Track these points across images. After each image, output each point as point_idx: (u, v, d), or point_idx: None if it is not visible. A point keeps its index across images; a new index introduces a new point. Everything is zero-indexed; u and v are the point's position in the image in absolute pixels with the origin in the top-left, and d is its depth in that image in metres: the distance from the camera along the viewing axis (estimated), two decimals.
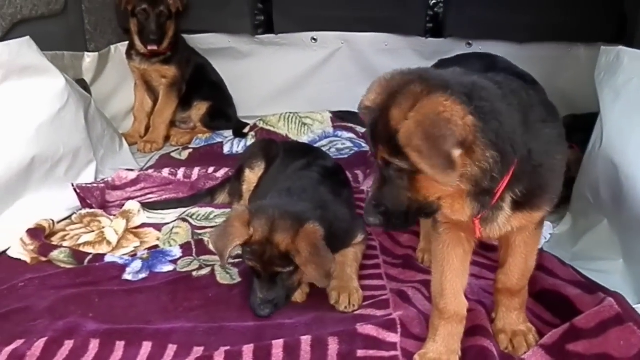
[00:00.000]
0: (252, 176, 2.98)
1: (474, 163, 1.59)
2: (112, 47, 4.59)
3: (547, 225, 2.87)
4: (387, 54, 4.48)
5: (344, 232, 2.45)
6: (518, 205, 1.80)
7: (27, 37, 3.24)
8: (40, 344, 2.01)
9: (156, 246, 2.80)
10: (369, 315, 2.21)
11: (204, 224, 3.00)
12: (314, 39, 4.56)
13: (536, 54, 4.18)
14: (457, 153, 1.53)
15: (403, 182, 1.65)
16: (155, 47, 4.22)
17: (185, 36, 4.61)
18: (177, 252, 2.69)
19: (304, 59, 4.63)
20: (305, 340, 2.01)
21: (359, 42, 4.52)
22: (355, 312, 2.24)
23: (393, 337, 2.04)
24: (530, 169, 1.74)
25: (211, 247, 2.71)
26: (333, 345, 1.99)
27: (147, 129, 4.54)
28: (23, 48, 3.17)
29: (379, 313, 2.22)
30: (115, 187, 3.40)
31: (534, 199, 1.81)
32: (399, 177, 1.65)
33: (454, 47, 4.34)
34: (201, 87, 4.62)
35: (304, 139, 4.27)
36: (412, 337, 2.06)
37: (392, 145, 1.58)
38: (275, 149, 3.02)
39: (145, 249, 2.77)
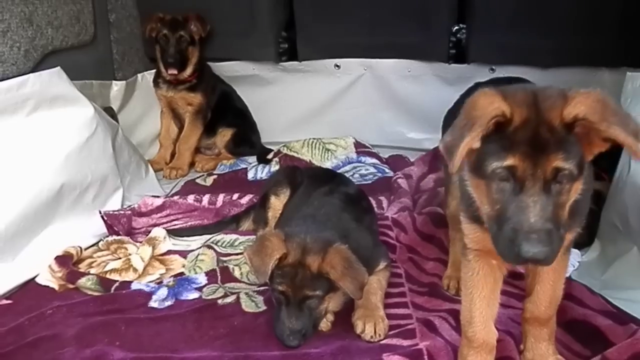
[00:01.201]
0: (277, 203, 3.00)
1: None
2: (139, 75, 4.69)
3: (575, 252, 2.83)
4: (410, 80, 4.50)
5: (367, 259, 2.44)
6: None
7: (58, 68, 3.34)
8: None
9: (182, 273, 2.82)
10: (395, 345, 2.19)
11: (229, 250, 3.01)
12: (337, 66, 4.59)
13: (560, 78, 4.14)
14: None
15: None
16: (175, 72, 4.29)
17: (210, 64, 4.69)
18: (202, 279, 2.70)
19: (327, 86, 4.66)
20: None
21: (381, 69, 4.53)
22: (381, 342, 2.22)
23: None
24: None
25: (236, 274, 2.73)
26: None
27: (173, 155, 4.60)
28: (54, 78, 3.26)
29: (405, 343, 2.19)
30: (141, 214, 3.44)
31: (569, 218, 1.78)
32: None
33: (477, 73, 4.33)
34: (226, 114, 4.68)
35: (328, 164, 4.28)
36: None
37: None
38: (299, 176, 3.04)
39: (171, 276, 2.79)
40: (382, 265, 2.56)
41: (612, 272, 2.63)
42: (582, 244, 2.93)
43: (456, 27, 4.33)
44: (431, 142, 4.27)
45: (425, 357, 2.05)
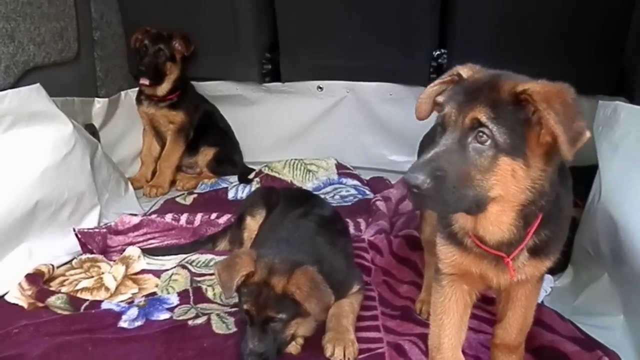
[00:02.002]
0: (253, 223, 3.00)
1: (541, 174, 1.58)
2: (123, 93, 4.68)
3: (548, 278, 2.84)
4: (391, 103, 4.53)
5: (340, 282, 2.44)
6: (535, 252, 1.78)
7: (37, 85, 3.33)
8: None
9: (154, 293, 2.80)
10: None
11: (203, 270, 3.00)
12: (320, 88, 4.62)
13: None
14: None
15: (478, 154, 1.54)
16: (146, 82, 4.28)
17: (194, 83, 4.70)
18: (174, 299, 2.69)
19: (310, 107, 4.68)
20: None
21: (364, 91, 4.56)
22: None
23: None
24: (556, 213, 1.72)
25: (209, 294, 2.72)
26: None
27: (154, 173, 4.59)
28: (33, 95, 3.25)
29: None
30: (117, 232, 3.42)
31: (551, 245, 1.78)
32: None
33: None
34: (208, 133, 4.68)
35: (309, 185, 4.29)
36: None
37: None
38: (275, 197, 3.05)
39: (143, 295, 2.77)
40: (355, 288, 2.56)
41: (583, 298, 2.64)
42: (555, 269, 2.94)
43: (437, 52, 4.38)
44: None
45: None
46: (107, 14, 4.51)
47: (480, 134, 1.55)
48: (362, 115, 4.63)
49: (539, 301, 2.48)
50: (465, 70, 1.73)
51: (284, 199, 3.01)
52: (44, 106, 3.31)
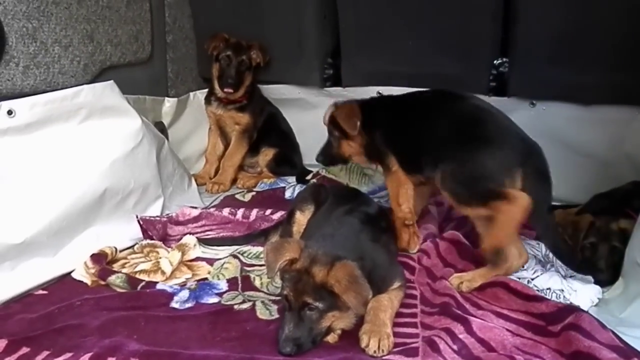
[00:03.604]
0: (301, 218, 3.12)
1: None
2: (192, 94, 4.94)
3: (596, 289, 2.80)
4: None
5: (381, 278, 2.51)
6: None
7: (111, 81, 3.59)
8: (85, 357, 2.19)
9: (205, 279, 2.95)
10: None
11: (253, 261, 3.14)
12: (379, 93, 4.68)
13: (603, 116, 4.10)
14: None
15: None
16: (231, 91, 4.50)
17: (260, 86, 4.89)
18: (223, 285, 2.82)
19: None
20: None
21: None
22: (384, 358, 2.27)
23: None
24: None
25: (256, 283, 2.84)
26: None
27: (217, 171, 4.79)
28: (106, 90, 3.50)
29: None
30: (178, 222, 3.62)
31: None
32: None
33: (517, 107, 4.35)
34: (270, 134, 4.85)
35: (364, 189, 4.34)
36: None
37: None
38: (324, 194, 3.15)
39: (195, 280, 2.92)
40: (396, 284, 2.61)
41: (630, 310, 2.58)
42: (605, 281, 2.90)
43: (499, 61, 4.36)
44: None
45: None
46: (180, 18, 4.78)
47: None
48: None
49: (585, 309, 2.47)
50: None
51: (332, 196, 3.11)
52: (116, 101, 3.55)
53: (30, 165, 3.03)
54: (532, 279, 2.86)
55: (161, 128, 4.47)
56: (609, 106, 4.08)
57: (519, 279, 2.84)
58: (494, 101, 4.38)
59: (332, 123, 3.42)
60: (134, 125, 3.62)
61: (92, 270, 2.89)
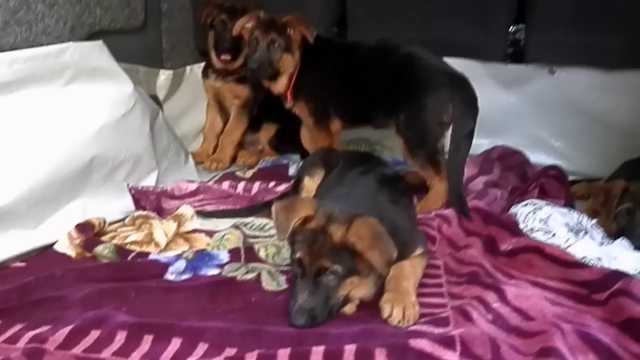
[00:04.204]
0: (311, 184, 2.82)
1: None
2: (188, 67, 4.65)
3: (638, 255, 2.53)
4: None
5: (402, 244, 2.21)
6: None
7: (100, 41, 3.30)
8: (65, 330, 1.90)
9: (204, 250, 2.66)
10: (425, 332, 1.94)
11: (257, 233, 2.84)
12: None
13: (626, 82, 3.85)
14: None
15: None
16: (228, 58, 4.12)
17: None
18: (224, 256, 2.54)
19: None
20: (349, 349, 1.78)
21: None
22: (410, 328, 1.98)
23: (450, 355, 1.77)
24: None
25: (261, 254, 2.56)
26: (380, 358, 1.75)
27: (216, 149, 4.50)
28: (95, 51, 3.22)
29: (437, 330, 1.95)
30: (173, 197, 3.34)
31: None
32: None
33: (535, 75, 4.10)
34: (272, 109, 4.51)
35: None
36: (474, 358, 1.77)
37: None
38: (334, 157, 2.87)
39: (193, 251, 2.63)
40: (418, 251, 2.33)
41: None
42: None
43: (514, 28, 4.10)
44: (484, 148, 4.02)
45: (458, 344, 1.80)
46: None
47: None
48: None
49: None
50: None
51: (344, 160, 2.82)
52: (105, 63, 3.26)
53: (8, 127, 2.73)
54: (566, 248, 2.57)
55: (155, 102, 4.18)
56: (632, 71, 3.83)
57: None
58: (511, 69, 4.16)
59: (286, 27, 3.44)
60: (125, 90, 3.33)
61: (77, 241, 2.60)
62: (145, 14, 4.14)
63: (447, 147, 3.11)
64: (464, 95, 3.12)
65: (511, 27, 4.06)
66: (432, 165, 3.10)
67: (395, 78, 3.19)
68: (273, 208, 2.11)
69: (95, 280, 2.29)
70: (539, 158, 4.03)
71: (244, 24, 3.60)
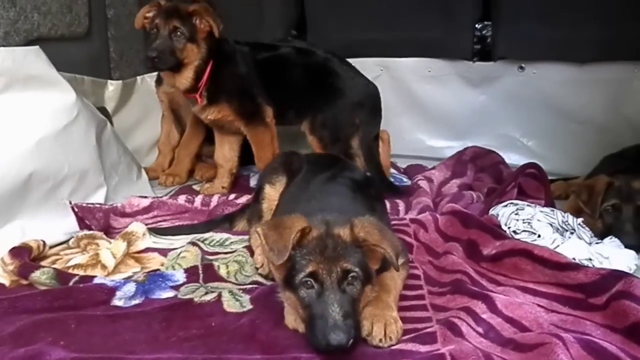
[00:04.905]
0: (272, 192, 2.56)
1: None
2: (139, 77, 4.36)
3: (630, 253, 2.36)
4: (430, 80, 4.14)
5: None
6: None
7: (37, 47, 3.01)
8: None
9: (158, 270, 2.38)
10: (411, 351, 1.72)
11: (217, 249, 2.58)
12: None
13: (599, 76, 3.75)
14: None
15: None
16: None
17: None
18: (180, 276, 2.26)
19: None
20: None
21: (399, 68, 4.18)
22: (393, 347, 1.74)
23: None
24: None
25: (221, 272, 2.30)
26: None
27: (172, 163, 4.21)
28: (30, 56, 2.92)
29: (424, 348, 1.73)
30: (124, 214, 3.05)
31: None
32: None
33: (504, 72, 3.96)
34: None
35: None
36: None
37: None
38: (297, 162, 2.61)
39: (145, 272, 2.35)
40: (399, 261, 2.09)
41: None
42: (635, 246, 2.49)
43: (481, 24, 3.95)
44: (453, 151, 3.89)
45: None
46: None
47: None
48: (398, 96, 4.23)
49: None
50: None
51: (308, 164, 2.57)
52: (43, 70, 2.96)
53: None
54: (554, 250, 2.38)
55: (104, 114, 3.86)
56: (605, 64, 3.74)
57: None
58: (479, 67, 4.02)
59: (192, 16, 3.28)
60: (66, 99, 3.03)
61: (11, 267, 2.27)
62: (90, 20, 3.83)
63: None
64: (374, 102, 3.51)
65: (477, 24, 3.90)
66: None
67: (314, 81, 3.43)
68: (260, 230, 1.83)
69: (30, 311, 1.99)
70: (511, 158, 3.88)
71: (144, 14, 3.37)
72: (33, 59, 2.93)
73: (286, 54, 3.52)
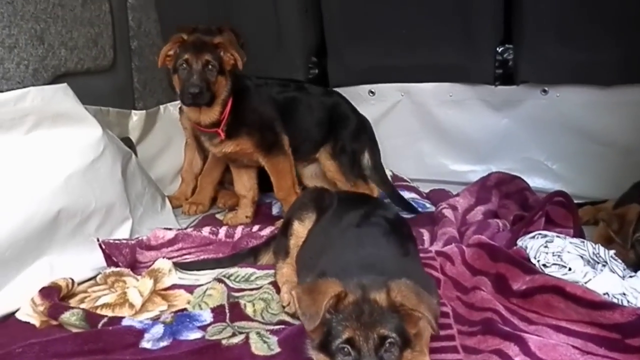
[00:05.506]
0: (301, 229, 2.53)
1: None
2: (162, 106, 4.42)
3: None
4: (452, 105, 4.11)
5: None
6: None
7: (64, 84, 3.07)
8: None
9: (185, 309, 2.38)
10: None
11: (242, 285, 2.57)
12: (372, 92, 4.25)
13: (623, 99, 3.69)
14: None
15: None
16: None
17: None
18: (207, 316, 2.26)
19: None
20: None
21: (420, 94, 4.16)
22: None
23: None
24: None
25: (248, 311, 2.29)
26: None
27: (195, 190, 4.23)
28: (58, 94, 2.98)
29: None
30: (150, 247, 3.06)
31: None
32: None
33: (527, 96, 3.93)
34: None
35: None
36: None
37: None
38: (328, 199, 2.58)
39: (172, 312, 2.35)
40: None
41: None
42: None
43: (502, 48, 3.93)
44: (477, 175, 3.85)
45: None
46: (146, 23, 4.28)
47: None
48: (419, 121, 4.22)
49: None
50: None
51: (338, 201, 2.55)
52: (70, 107, 3.02)
53: None
54: (585, 283, 2.34)
55: (129, 145, 3.92)
56: (630, 87, 3.67)
57: None
58: (501, 90, 3.99)
59: (218, 48, 3.28)
60: (93, 135, 3.08)
61: (41, 308, 2.30)
62: (115, 52, 3.90)
63: None
64: (370, 130, 3.81)
65: (499, 48, 3.87)
66: (363, 180, 3.67)
67: (328, 116, 3.65)
68: (294, 293, 1.82)
69: (61, 355, 2.00)
70: (535, 182, 3.85)
71: (167, 52, 3.32)
72: (61, 96, 2.99)
73: (299, 91, 3.67)
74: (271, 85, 3.62)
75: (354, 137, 3.67)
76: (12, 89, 2.94)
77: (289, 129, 3.49)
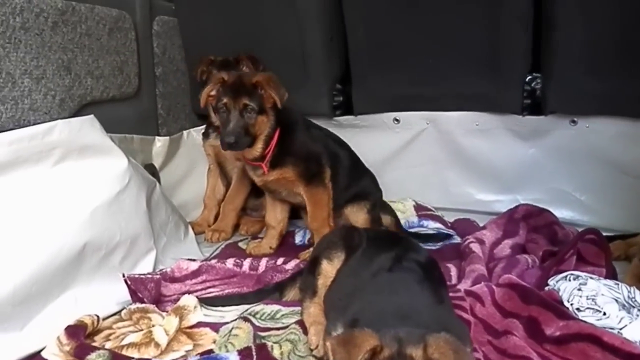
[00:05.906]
0: (329, 269, 2.48)
1: None
2: (185, 132, 4.44)
3: None
4: (478, 134, 4.04)
5: None
6: None
7: (91, 116, 3.08)
8: None
9: (211, 350, 2.35)
10: None
11: (269, 324, 2.54)
12: (397, 120, 4.21)
13: None
14: None
15: None
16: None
17: None
18: (234, 359, 2.22)
19: (385, 142, 4.26)
20: None
21: (446, 122, 4.10)
22: None
23: None
24: None
25: (275, 353, 2.25)
26: None
27: (217, 217, 4.22)
28: (85, 126, 2.99)
29: None
30: (174, 279, 3.04)
31: None
32: None
33: (556, 126, 3.87)
34: None
35: None
36: None
37: None
38: (357, 238, 2.54)
39: (197, 354, 2.32)
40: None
41: None
42: None
43: (530, 77, 3.87)
44: (503, 205, 3.78)
45: None
46: (170, 49, 4.31)
47: None
48: (445, 150, 4.15)
49: None
50: None
51: (367, 240, 2.51)
52: (97, 139, 3.03)
53: None
54: (620, 330, 2.27)
55: (152, 171, 3.93)
56: None
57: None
58: (528, 120, 3.93)
59: (256, 86, 3.18)
60: (119, 166, 3.08)
61: (67, 348, 2.28)
62: (139, 80, 3.93)
63: None
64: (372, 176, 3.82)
65: (527, 77, 3.82)
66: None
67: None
68: (329, 344, 1.79)
69: None
70: (563, 213, 3.77)
71: (209, 92, 3.27)
72: (88, 128, 3.00)
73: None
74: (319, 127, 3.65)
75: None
76: (39, 120, 2.99)
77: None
